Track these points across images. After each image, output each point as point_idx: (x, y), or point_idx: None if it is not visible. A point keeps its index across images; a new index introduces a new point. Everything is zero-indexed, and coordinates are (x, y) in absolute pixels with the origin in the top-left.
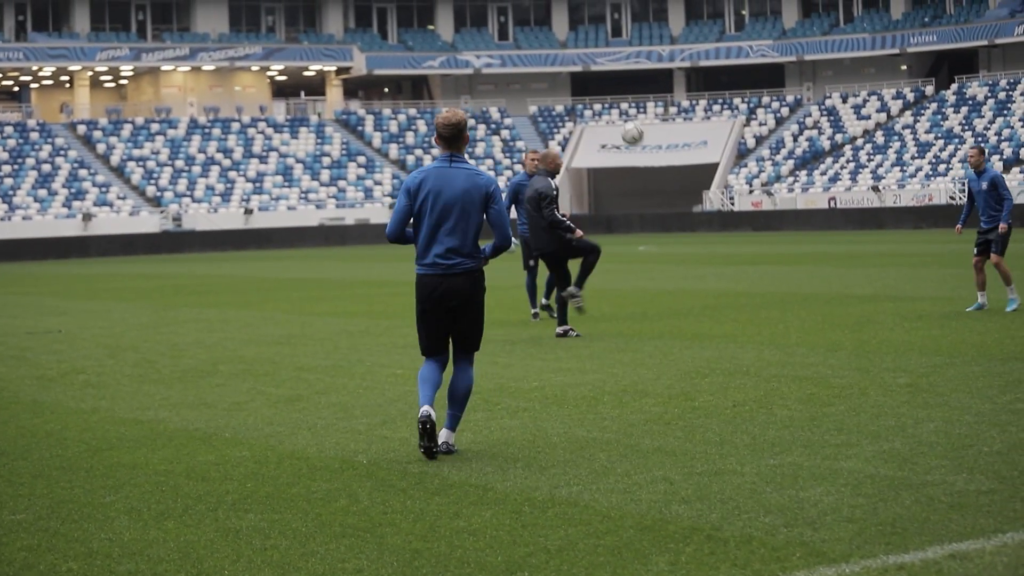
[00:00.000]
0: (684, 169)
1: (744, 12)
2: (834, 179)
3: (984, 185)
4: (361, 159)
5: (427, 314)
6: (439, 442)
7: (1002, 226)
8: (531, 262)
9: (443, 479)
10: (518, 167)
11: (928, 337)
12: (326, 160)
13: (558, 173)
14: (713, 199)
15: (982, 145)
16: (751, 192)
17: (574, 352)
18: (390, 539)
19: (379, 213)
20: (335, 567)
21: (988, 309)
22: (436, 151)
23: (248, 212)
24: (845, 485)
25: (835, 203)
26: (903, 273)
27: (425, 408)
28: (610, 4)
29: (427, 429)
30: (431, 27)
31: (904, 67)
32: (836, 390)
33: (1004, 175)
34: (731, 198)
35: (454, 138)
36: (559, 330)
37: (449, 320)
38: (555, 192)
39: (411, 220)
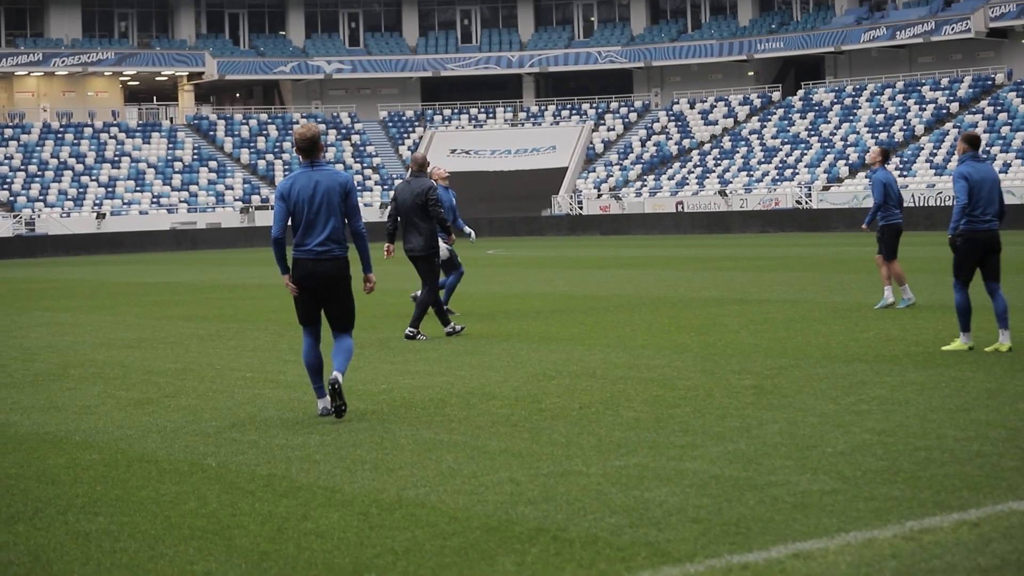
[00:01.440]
0: (533, 174)
1: (593, 19)
2: (681, 183)
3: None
4: (212, 164)
5: (301, 291)
6: (331, 377)
7: (863, 225)
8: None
9: (291, 481)
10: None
11: (773, 339)
12: (178, 165)
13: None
14: (562, 203)
15: (883, 146)
16: (599, 196)
17: (422, 355)
18: (238, 541)
19: (230, 217)
20: (184, 569)
21: (899, 305)
22: (286, 156)
23: (100, 217)
24: (690, 486)
25: (682, 207)
26: (749, 276)
27: (326, 401)
28: (460, 10)
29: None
30: (283, 33)
31: (751, 73)
32: (682, 392)
33: (884, 178)
34: (580, 202)
35: (311, 149)
36: (447, 329)
37: (319, 298)
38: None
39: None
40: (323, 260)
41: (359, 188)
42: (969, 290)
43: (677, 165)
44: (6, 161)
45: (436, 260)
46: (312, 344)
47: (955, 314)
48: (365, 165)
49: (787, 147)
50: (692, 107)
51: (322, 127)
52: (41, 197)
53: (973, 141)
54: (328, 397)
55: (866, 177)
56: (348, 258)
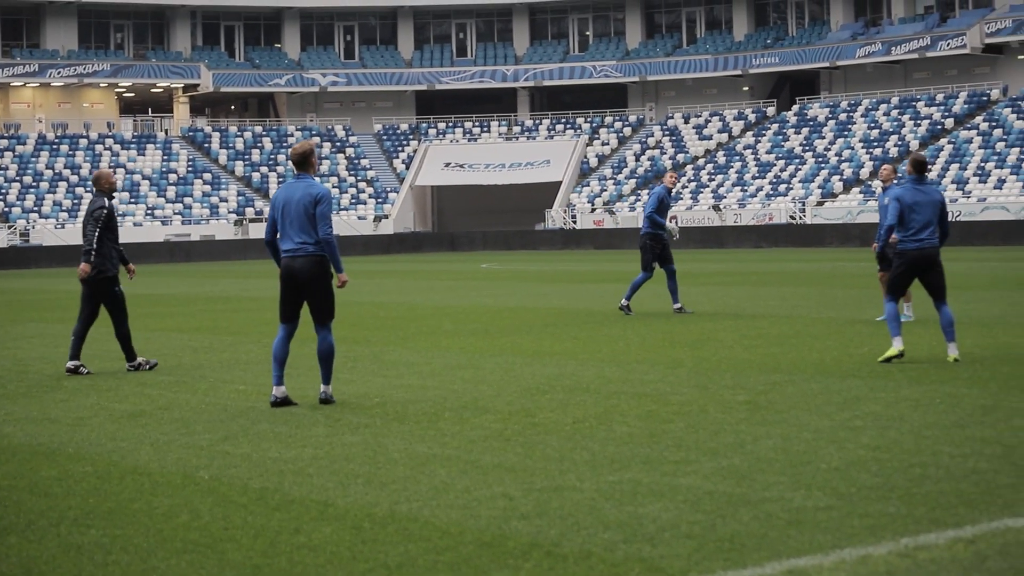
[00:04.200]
0: (527, 187)
1: (588, 33)
2: (675, 198)
3: (885, 200)
4: (207, 176)
5: (283, 287)
6: (320, 392)
7: (873, 245)
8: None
9: (284, 495)
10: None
11: (767, 355)
12: (172, 177)
13: (111, 193)
14: (556, 217)
15: (893, 163)
16: (593, 211)
17: (415, 369)
18: (231, 555)
19: (224, 230)
20: None
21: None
22: (281, 168)
23: None
24: (684, 501)
25: (676, 222)
26: (743, 291)
27: (279, 390)
28: (455, 24)
29: (275, 404)
30: (278, 45)
31: (746, 88)
32: (675, 407)
33: (885, 195)
34: (573, 216)
35: (301, 162)
36: (135, 363)
37: (299, 294)
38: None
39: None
40: (298, 257)
41: (353, 201)
42: (899, 305)
43: None
44: (1, 172)
45: (114, 285)
46: (284, 339)
47: (939, 328)
48: (359, 178)
49: (781, 162)
50: (687, 122)
51: (316, 140)
52: (36, 208)
53: (918, 166)
54: (283, 387)
55: (884, 192)
56: (324, 257)
